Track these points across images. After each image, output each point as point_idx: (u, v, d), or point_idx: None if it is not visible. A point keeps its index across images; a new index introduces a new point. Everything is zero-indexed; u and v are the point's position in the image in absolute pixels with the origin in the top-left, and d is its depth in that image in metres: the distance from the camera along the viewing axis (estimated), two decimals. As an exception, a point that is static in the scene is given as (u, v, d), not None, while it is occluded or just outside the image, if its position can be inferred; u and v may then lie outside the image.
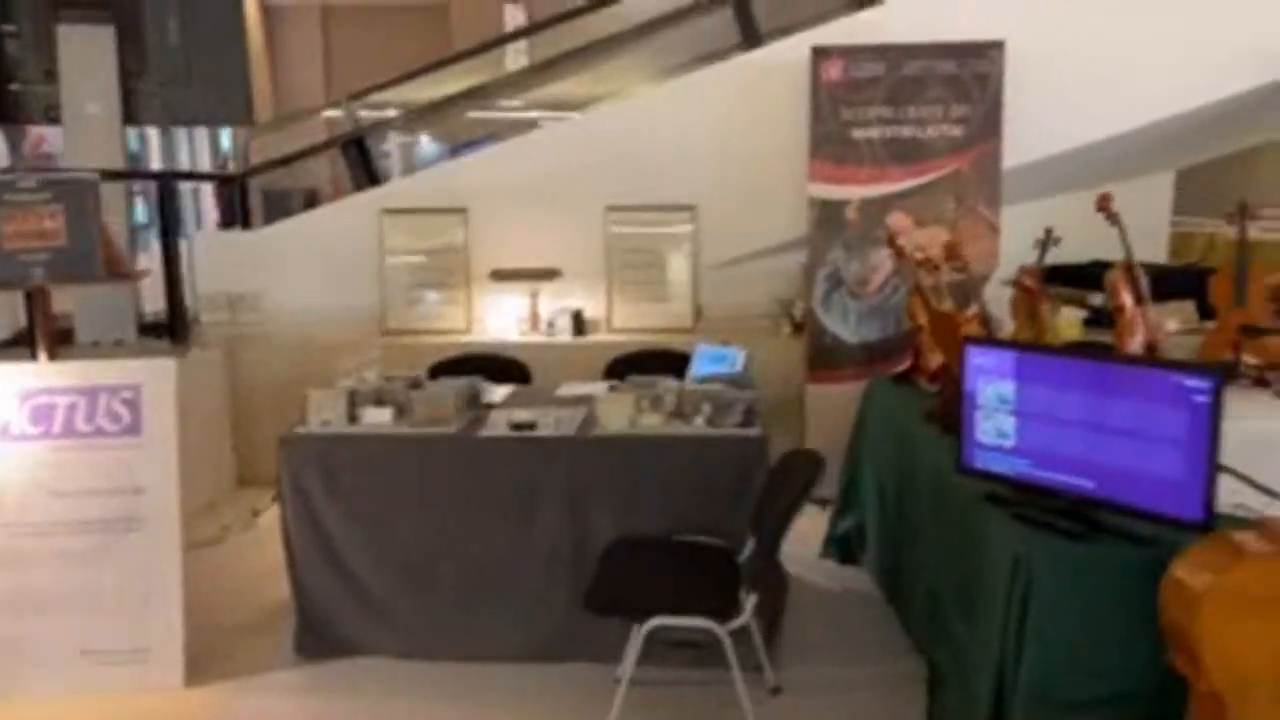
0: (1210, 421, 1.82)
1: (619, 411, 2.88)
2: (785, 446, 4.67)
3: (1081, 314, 4.94)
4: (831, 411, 4.31)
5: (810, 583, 3.62)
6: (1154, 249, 6.26)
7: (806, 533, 3.93)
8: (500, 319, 4.84)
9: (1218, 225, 7.31)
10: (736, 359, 3.41)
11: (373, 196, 4.95)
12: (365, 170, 5.13)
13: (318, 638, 3.00)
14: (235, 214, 5.23)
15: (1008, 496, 2.21)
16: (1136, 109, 4.46)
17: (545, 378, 4.05)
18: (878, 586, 3.46)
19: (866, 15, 4.57)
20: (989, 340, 2.45)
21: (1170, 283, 4.21)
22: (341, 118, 5.64)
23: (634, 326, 4.87)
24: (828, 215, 4.41)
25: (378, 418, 2.93)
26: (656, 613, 2.29)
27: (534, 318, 4.83)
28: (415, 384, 3.10)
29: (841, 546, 3.75)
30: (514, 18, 10.47)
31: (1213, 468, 1.85)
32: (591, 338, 4.78)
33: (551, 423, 2.95)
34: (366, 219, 4.87)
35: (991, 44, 4.26)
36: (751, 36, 4.89)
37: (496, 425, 2.96)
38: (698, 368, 3.51)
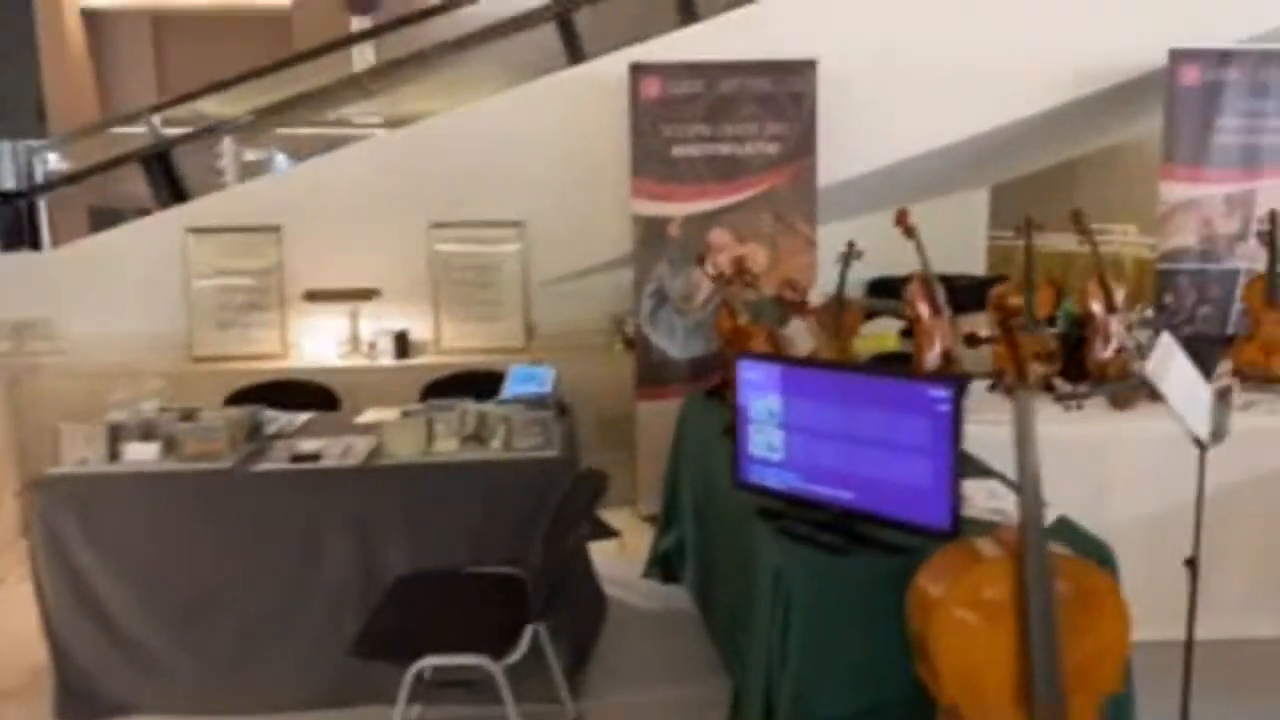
0: (951, 430, 1.85)
1: (408, 438, 2.75)
2: (618, 464, 4.68)
3: (899, 325, 5.11)
4: (661, 428, 4.27)
5: (631, 604, 3.57)
6: (972, 261, 6.58)
7: (636, 551, 3.88)
8: (318, 342, 4.61)
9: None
10: (546, 378, 3.32)
11: (177, 214, 4.65)
12: (170, 186, 4.81)
13: (81, 700, 2.73)
14: (23, 234, 4.81)
15: (779, 510, 2.20)
16: (947, 126, 4.65)
17: (362, 403, 3.86)
18: (696, 605, 3.43)
19: (687, 32, 4.61)
20: (761, 355, 2.45)
21: (980, 293, 4.38)
22: (151, 129, 5.29)
23: (463, 347, 4.73)
24: (651, 232, 4.40)
25: (141, 454, 2.70)
26: (426, 652, 2.17)
27: (355, 340, 4.63)
28: (188, 415, 2.88)
29: (664, 565, 3.71)
30: (361, 28, 10.18)
31: (956, 476, 1.87)
32: (417, 360, 4.61)
33: (338, 453, 2.79)
34: (171, 238, 4.57)
35: (805, 62, 4.35)
36: (576, 52, 4.85)
37: (277, 458, 2.77)
38: (511, 388, 3.41)
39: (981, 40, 4.53)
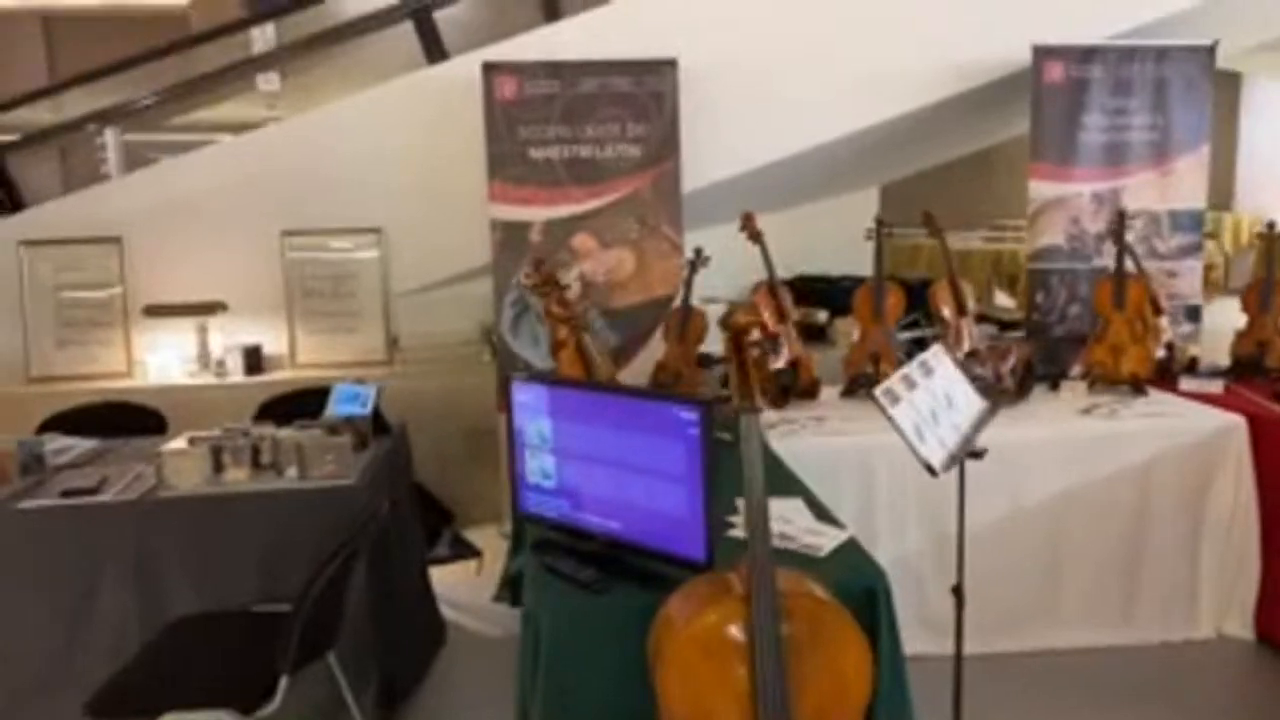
0: (702, 455, 1.71)
1: (189, 469, 2.55)
2: (485, 480, 4.52)
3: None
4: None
5: (473, 629, 3.41)
6: (863, 261, 6.54)
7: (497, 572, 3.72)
8: (163, 359, 4.36)
9: (921, 236, 7.73)
10: (368, 398, 3.14)
11: (8, 226, 4.37)
12: (8, 195, 4.53)
13: None
14: None
15: (554, 541, 2.05)
16: (817, 127, 4.55)
17: (203, 425, 3.63)
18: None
19: (544, 32, 4.45)
20: (532, 375, 2.29)
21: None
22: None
23: (322, 361, 4.53)
24: (511, 237, 4.23)
25: (-106, 493, 2.46)
26: (168, 709, 1.98)
27: (205, 357, 4.40)
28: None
29: (513, 588, 3.54)
30: (263, 32, 9.86)
31: (709, 502, 1.74)
32: (270, 376, 4.39)
33: (121, 486, 2.58)
34: (3, 252, 4.29)
35: (664, 61, 4.22)
36: (436, 51, 4.66)
37: (48, 493, 2.55)
38: (335, 408, 3.23)
39: (849, 39, 4.45)
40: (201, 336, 4.39)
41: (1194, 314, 4.45)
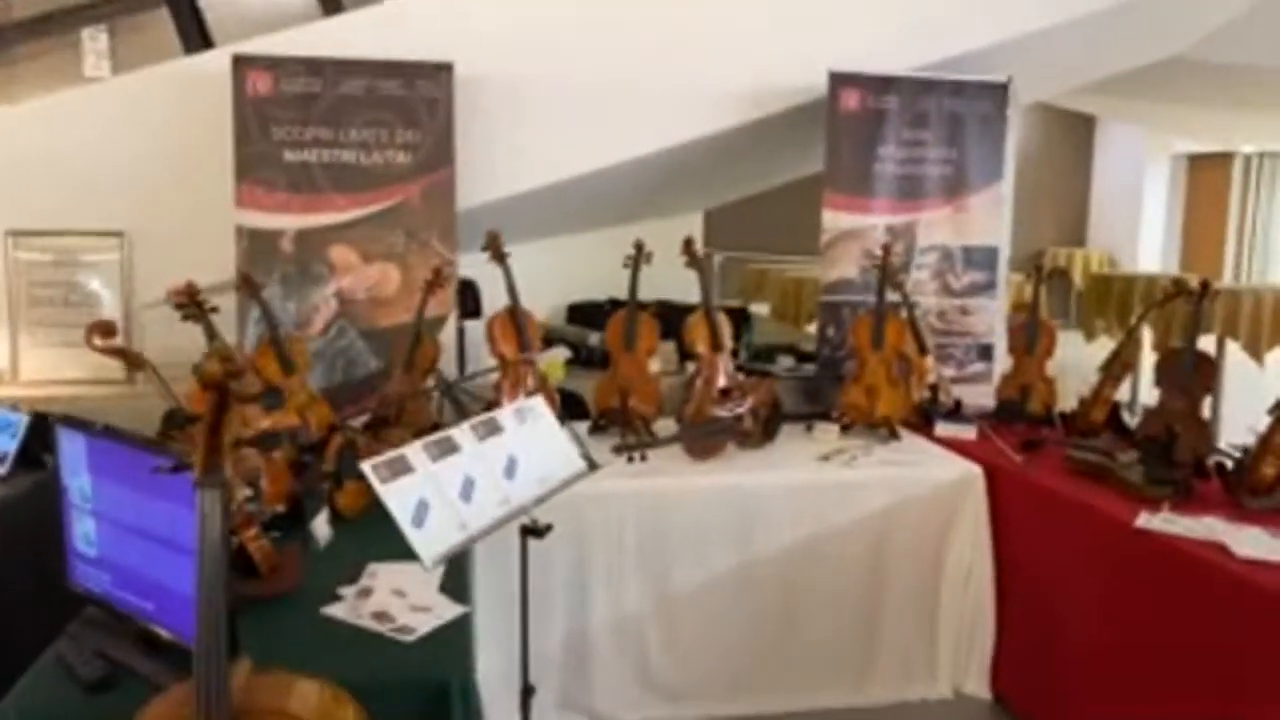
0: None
1: None
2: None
3: (566, 353, 4.77)
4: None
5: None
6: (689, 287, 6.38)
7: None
8: None
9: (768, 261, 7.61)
10: (19, 426, 2.73)
11: None
12: None
13: None
14: None
15: (101, 621, 1.71)
16: (606, 147, 4.32)
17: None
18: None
19: (312, 27, 4.11)
20: (72, 420, 1.93)
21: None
22: None
23: (52, 378, 4.04)
24: (260, 247, 3.85)
25: None
26: None
27: (-97, 368, 3.87)
28: None
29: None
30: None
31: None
32: (-17, 392, 3.88)
33: None
34: None
35: (439, 65, 3.92)
36: (199, 41, 4.26)
37: None
38: (-11, 436, 2.80)
39: (643, 58, 4.23)
40: (-101, 345, 3.86)
41: (986, 352, 4.38)
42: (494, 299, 5.15)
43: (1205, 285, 2.93)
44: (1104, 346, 3.52)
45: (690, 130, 4.36)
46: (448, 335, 3.94)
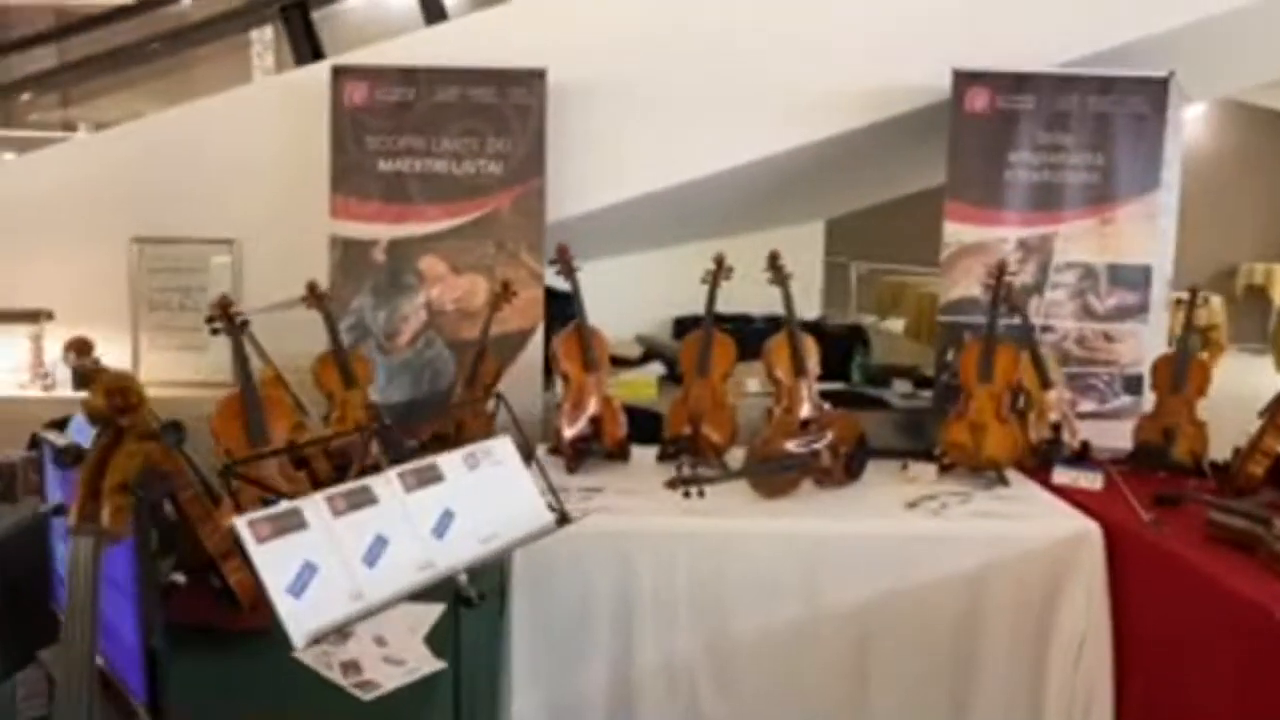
0: (140, 553, 1.29)
1: None
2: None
3: (659, 370, 4.56)
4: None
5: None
6: (808, 302, 6.01)
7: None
8: (-7, 367, 4.12)
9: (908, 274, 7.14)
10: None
11: None
12: None
13: None
14: None
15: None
16: (709, 154, 4.07)
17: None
18: None
19: (405, 39, 4.08)
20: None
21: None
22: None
23: (167, 379, 4.22)
24: (353, 256, 3.87)
25: None
26: None
27: (37, 366, 4.13)
28: None
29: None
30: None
31: (147, 628, 1.31)
32: (102, 390, 4.09)
33: None
34: None
35: (532, 72, 3.82)
36: (312, 53, 4.36)
37: None
38: (74, 438, 2.89)
39: (747, 58, 3.98)
40: (35, 345, 4.12)
41: (1135, 385, 3.85)
42: (594, 311, 5.05)
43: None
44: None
45: (797, 136, 4.06)
46: (533, 349, 3.83)
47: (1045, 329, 3.93)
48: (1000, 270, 3.11)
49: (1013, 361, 2.92)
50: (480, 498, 1.40)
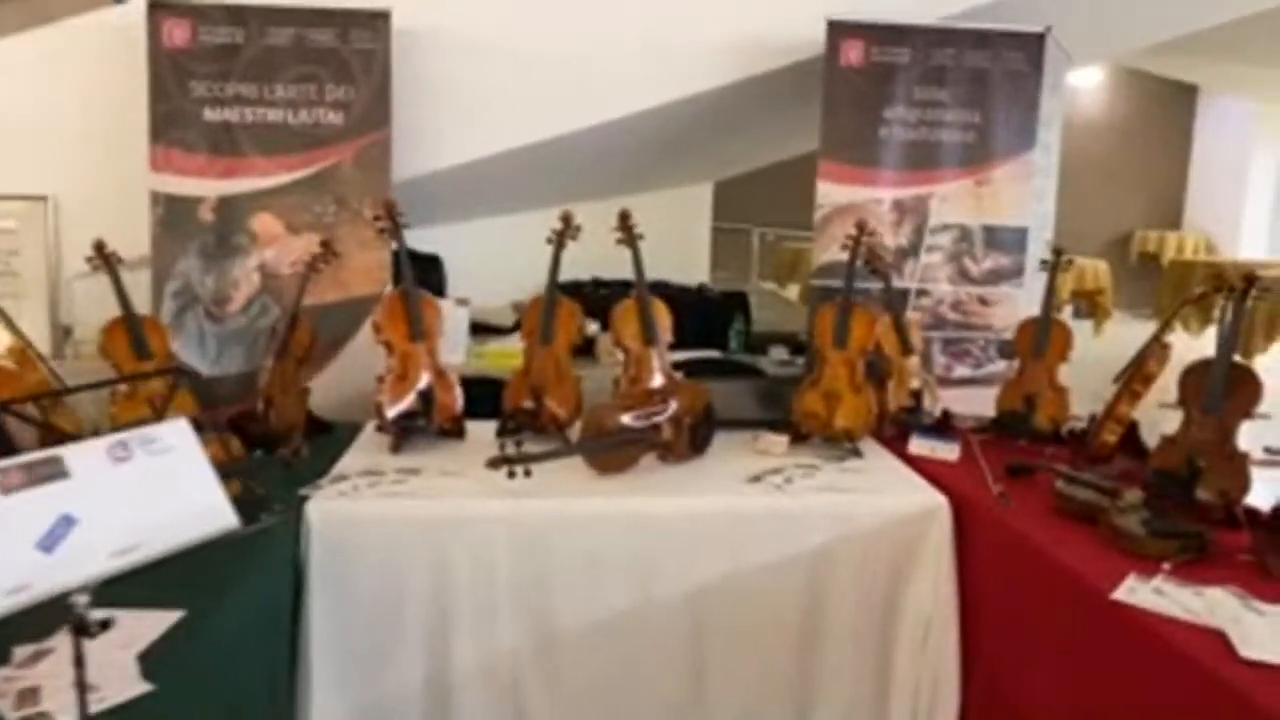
0: None
1: None
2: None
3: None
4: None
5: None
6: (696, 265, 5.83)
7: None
8: None
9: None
10: None
11: None
12: None
13: None
14: None
15: None
16: (574, 109, 3.82)
17: None
18: None
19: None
20: None
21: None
22: None
23: (-25, 348, 3.81)
24: (177, 214, 3.50)
25: None
26: None
27: None
28: None
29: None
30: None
31: None
32: (-104, 364, 3.66)
33: None
34: None
35: (375, 13, 3.49)
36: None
37: None
38: None
39: (613, 8, 3.73)
40: None
41: (1009, 349, 3.76)
42: (463, 276, 4.76)
43: (1250, 279, 2.28)
44: (1187, 347, 2.87)
45: (667, 93, 3.83)
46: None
47: (921, 293, 3.82)
48: (860, 230, 2.93)
49: (868, 327, 2.76)
50: (126, 497, 1.15)
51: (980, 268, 3.82)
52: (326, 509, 2.21)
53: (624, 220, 2.87)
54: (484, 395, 3.04)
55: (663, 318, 2.81)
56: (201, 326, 3.55)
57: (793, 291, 7.10)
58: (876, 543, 2.35)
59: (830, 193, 3.74)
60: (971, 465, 2.59)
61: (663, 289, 4.98)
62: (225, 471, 2.16)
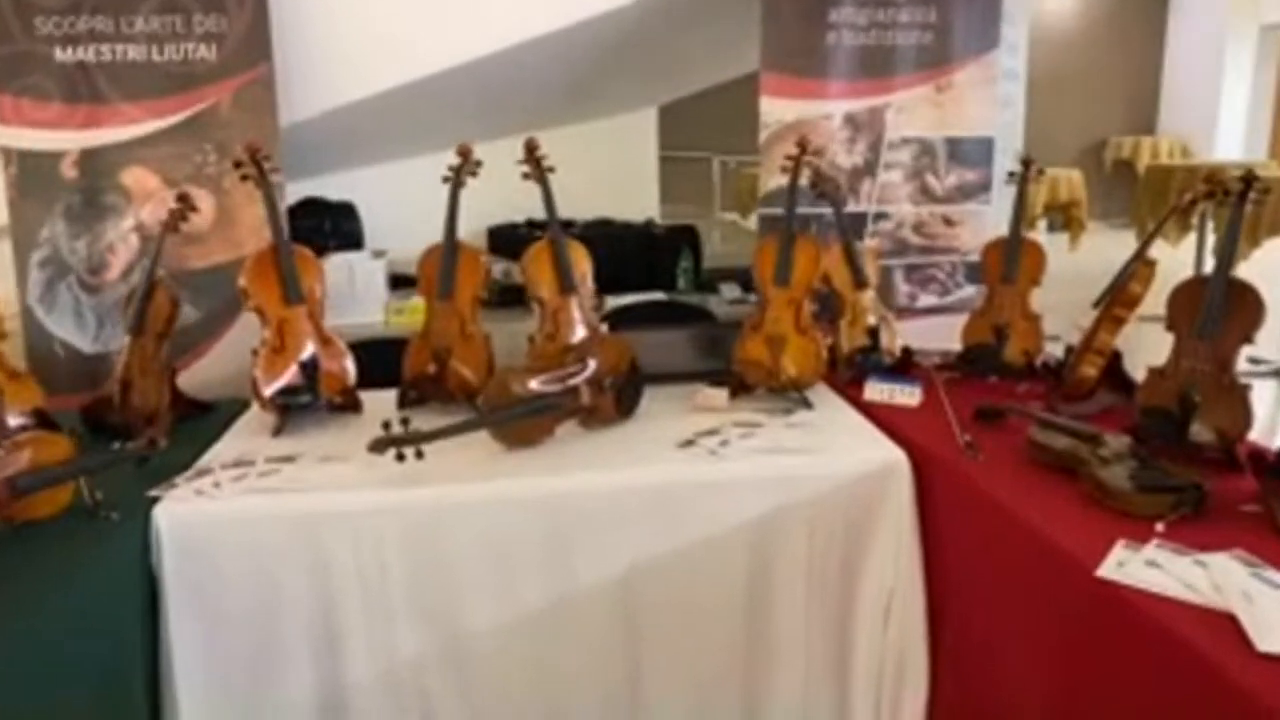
0: None
1: None
2: None
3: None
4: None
5: None
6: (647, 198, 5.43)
7: None
8: None
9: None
10: None
11: None
12: None
13: None
14: None
15: None
16: (484, 32, 3.38)
17: None
18: None
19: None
20: None
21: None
22: None
23: None
24: (35, 173, 3.08)
25: None
26: None
27: None
28: None
29: None
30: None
31: None
32: None
33: None
34: None
35: (244, -73, 3.04)
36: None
37: None
38: None
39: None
40: None
41: (976, 273, 3.43)
42: (382, 225, 4.37)
43: (1249, 180, 1.95)
44: (1168, 259, 2.56)
45: (578, 9, 3.40)
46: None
47: (880, 216, 3.48)
48: (801, 149, 2.57)
49: (812, 260, 2.41)
50: None
51: (944, 184, 3.48)
52: (177, 511, 1.87)
53: (530, 152, 2.49)
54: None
55: (580, 261, 2.46)
56: (77, 299, 3.16)
57: (754, 222, 6.73)
58: (827, 509, 2.04)
59: (775, 109, 3.36)
60: (936, 410, 2.28)
61: (603, 227, 4.63)
62: (54, 475, 1.84)
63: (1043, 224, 6.88)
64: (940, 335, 3.05)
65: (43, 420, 2.28)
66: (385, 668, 1.97)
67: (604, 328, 2.51)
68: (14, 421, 2.22)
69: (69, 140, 3.08)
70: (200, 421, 2.45)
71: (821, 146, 2.73)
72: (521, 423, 2.09)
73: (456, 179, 2.47)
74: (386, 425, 1.96)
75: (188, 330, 3.16)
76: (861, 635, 2.09)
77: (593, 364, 2.21)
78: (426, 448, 1.97)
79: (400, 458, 1.95)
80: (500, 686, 2.02)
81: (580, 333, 2.41)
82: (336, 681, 1.96)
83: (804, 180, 2.63)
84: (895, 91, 3.40)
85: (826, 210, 2.86)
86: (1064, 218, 6.34)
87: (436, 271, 2.43)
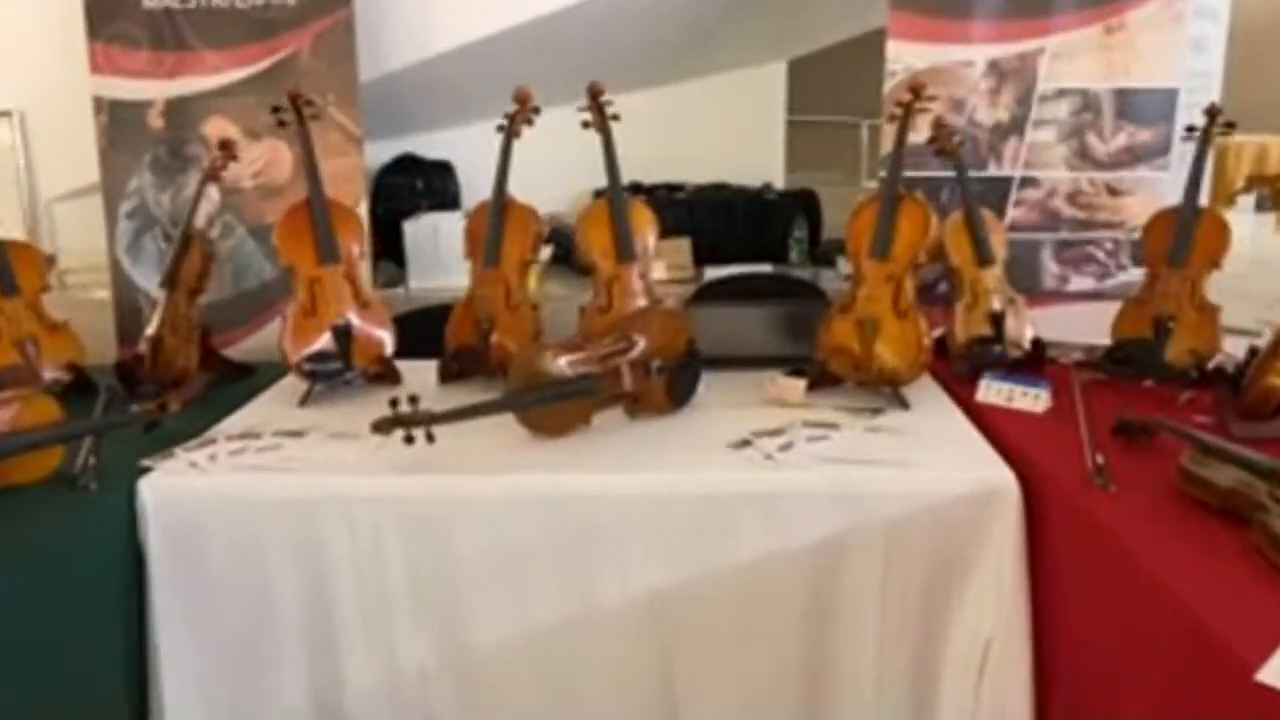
0: None
1: None
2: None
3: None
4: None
5: None
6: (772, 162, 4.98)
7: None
8: None
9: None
10: None
11: None
12: None
13: None
14: None
15: None
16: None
17: None
18: None
19: None
20: None
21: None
22: None
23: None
24: (124, 123, 3.07)
25: None
26: None
27: None
28: None
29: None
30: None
31: None
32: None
33: None
34: None
35: None
36: None
37: None
38: None
39: None
40: None
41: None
42: (482, 189, 4.17)
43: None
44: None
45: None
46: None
47: (1027, 181, 2.97)
48: (914, 93, 2.13)
49: (919, 227, 1.98)
50: None
51: (1109, 146, 2.92)
52: (165, 486, 1.71)
53: (594, 97, 2.18)
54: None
55: (644, 225, 2.14)
56: (162, 251, 3.12)
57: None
58: (908, 538, 1.65)
59: (904, 54, 2.91)
60: (1066, 420, 1.82)
61: (716, 192, 4.27)
62: (30, 440, 1.71)
63: (1246, 200, 5.94)
64: (1090, 327, 2.53)
65: (77, 375, 2.21)
66: (384, 672, 1.76)
67: (670, 303, 2.19)
68: (48, 375, 2.16)
69: (156, 89, 3.03)
70: (240, 385, 2.30)
71: (933, 92, 2.25)
72: (549, 408, 1.81)
73: (510, 127, 2.20)
74: (394, 403, 1.73)
75: (269, 286, 3.09)
76: (947, 692, 1.70)
77: (641, 342, 1.89)
78: (441, 431, 1.72)
79: (409, 440, 1.71)
80: (512, 701, 1.77)
81: (640, 303, 2.10)
82: (333, 685, 1.76)
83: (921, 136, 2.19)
84: (1052, 33, 2.86)
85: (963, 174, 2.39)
86: (1273, 193, 5.42)
87: (481, 235, 2.17)
